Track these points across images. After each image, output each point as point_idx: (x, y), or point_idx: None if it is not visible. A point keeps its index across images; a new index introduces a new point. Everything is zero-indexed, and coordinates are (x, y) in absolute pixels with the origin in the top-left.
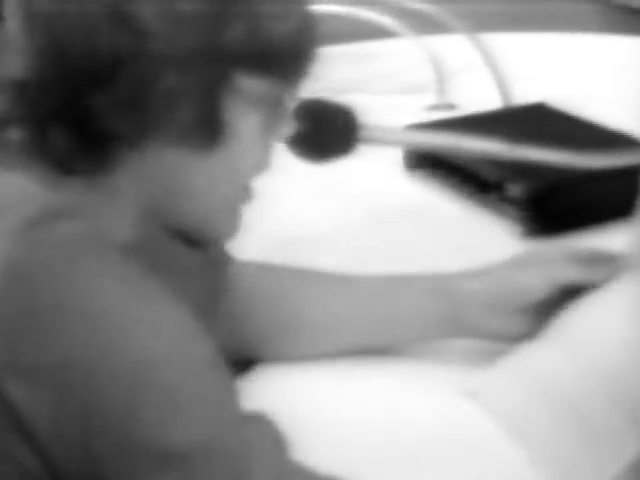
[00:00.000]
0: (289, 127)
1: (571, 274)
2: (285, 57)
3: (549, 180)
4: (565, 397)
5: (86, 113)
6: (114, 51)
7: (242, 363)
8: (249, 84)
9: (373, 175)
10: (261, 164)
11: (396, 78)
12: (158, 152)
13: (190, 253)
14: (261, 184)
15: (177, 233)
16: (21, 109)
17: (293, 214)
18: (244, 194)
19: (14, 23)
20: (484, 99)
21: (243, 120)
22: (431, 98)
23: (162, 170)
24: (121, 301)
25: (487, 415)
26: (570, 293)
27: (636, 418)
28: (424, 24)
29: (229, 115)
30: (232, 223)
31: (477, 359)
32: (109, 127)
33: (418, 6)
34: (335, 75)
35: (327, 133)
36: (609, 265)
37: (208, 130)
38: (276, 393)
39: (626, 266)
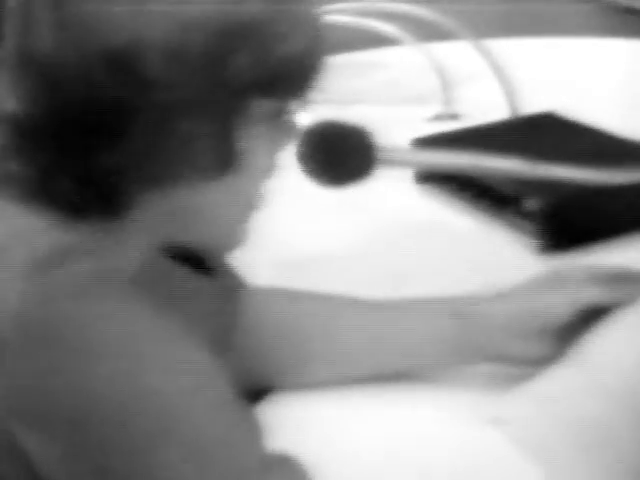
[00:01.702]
0: (296, 135)
1: (594, 296)
2: (295, 75)
3: (566, 194)
4: (590, 424)
5: (94, 165)
6: (119, 104)
7: (255, 392)
8: (259, 107)
9: (384, 191)
10: (270, 173)
11: (400, 87)
12: (172, 190)
13: (200, 281)
14: (272, 205)
15: (186, 260)
16: (23, 148)
17: (304, 235)
18: (254, 204)
19: (11, 69)
20: (490, 108)
21: (255, 141)
22: (436, 107)
23: (175, 205)
24: (136, 347)
25: (512, 444)
26: (593, 314)
27: None
28: (427, 31)
29: (243, 141)
30: (241, 235)
31: (496, 384)
32: (121, 178)
33: (421, 13)
34: (338, 86)
35: (344, 159)
36: (634, 284)
37: (225, 161)
38: (287, 422)
39: None
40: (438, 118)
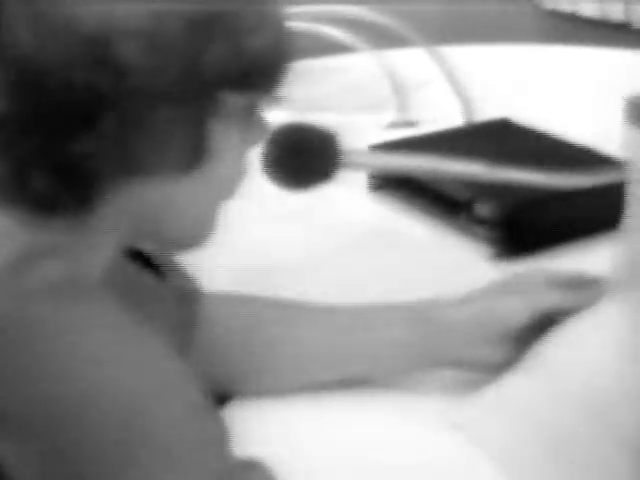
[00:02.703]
0: (266, 132)
1: (552, 300)
2: (265, 69)
3: (519, 200)
4: (549, 427)
5: (68, 156)
6: (94, 91)
7: (217, 398)
8: (231, 101)
9: (337, 198)
10: (241, 172)
11: (354, 94)
12: (141, 185)
13: (158, 285)
14: (227, 212)
15: (140, 263)
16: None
17: (257, 241)
18: (223, 199)
19: None
20: (445, 114)
21: (225, 136)
22: (391, 115)
23: (145, 200)
24: (107, 349)
25: (473, 447)
26: (552, 319)
27: (623, 440)
28: (382, 38)
29: (215, 135)
30: (210, 229)
31: (459, 389)
32: (93, 169)
33: (374, 18)
34: (293, 93)
35: (308, 160)
36: (589, 289)
37: (196, 155)
38: (252, 429)
39: (606, 289)
40: (394, 125)
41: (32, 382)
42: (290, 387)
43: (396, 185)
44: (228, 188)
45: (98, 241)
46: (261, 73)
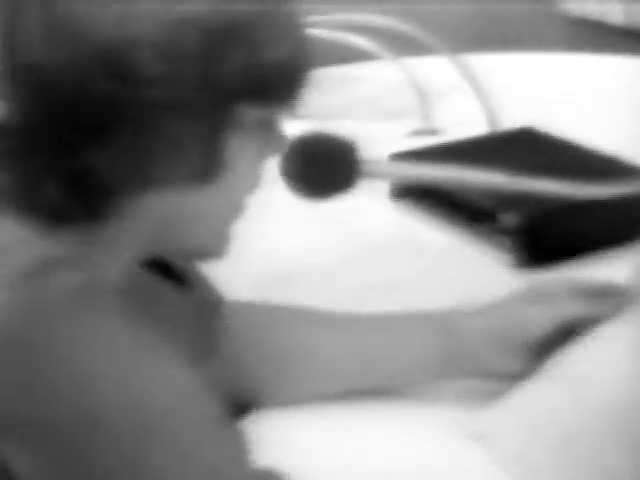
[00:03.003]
0: (283, 144)
1: (574, 310)
2: (283, 82)
3: (543, 209)
4: (567, 437)
5: (82, 167)
6: (109, 101)
7: (238, 408)
8: (248, 113)
9: (359, 207)
10: (256, 183)
11: (378, 103)
12: (157, 195)
13: (179, 294)
14: (251, 219)
15: (163, 273)
16: (9, 153)
17: (278, 249)
18: (239, 211)
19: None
20: (469, 123)
21: (241, 148)
22: (414, 123)
23: (161, 211)
24: (121, 361)
25: (491, 458)
26: (573, 328)
27: (636, 454)
28: (405, 46)
29: (230, 147)
30: (225, 241)
31: (478, 399)
32: (108, 179)
33: (399, 27)
34: (316, 101)
35: (327, 169)
36: (612, 299)
37: (211, 166)
38: (272, 438)
39: (629, 300)
40: (417, 133)
41: (41, 387)
42: (311, 396)
43: (418, 193)
44: (243, 199)
45: (114, 251)
46: (279, 86)
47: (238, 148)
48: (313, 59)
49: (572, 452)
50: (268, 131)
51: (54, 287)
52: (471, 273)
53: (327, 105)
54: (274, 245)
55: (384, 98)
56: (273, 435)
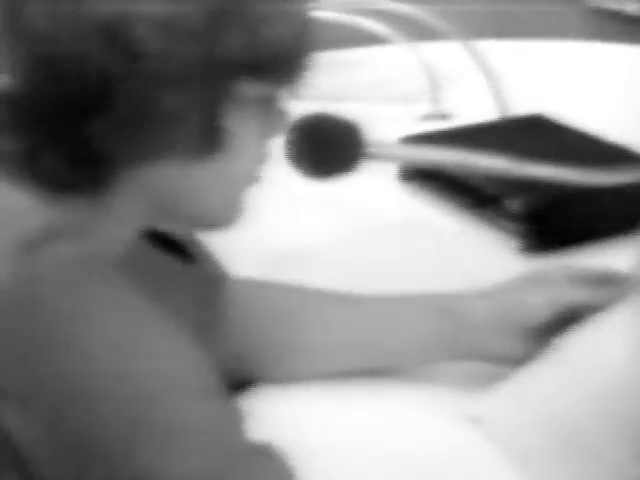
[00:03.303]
0: (287, 123)
1: (575, 296)
2: (284, 60)
3: (549, 195)
4: (567, 423)
5: (81, 136)
6: (107, 73)
7: (238, 383)
8: (248, 90)
9: (367, 188)
10: (262, 158)
11: (388, 86)
12: (158, 166)
13: (183, 267)
14: (253, 198)
15: (167, 246)
16: (12, 122)
17: (286, 229)
18: (248, 183)
19: (2, 42)
20: (479, 108)
21: (242, 124)
22: (425, 107)
23: (162, 182)
24: (120, 330)
25: (489, 441)
26: (574, 314)
27: (636, 441)
28: (417, 30)
29: (229, 123)
30: (236, 212)
31: (476, 382)
32: (107, 150)
33: (410, 11)
34: (325, 83)
35: (331, 150)
36: (614, 286)
37: (210, 141)
38: (272, 415)
39: (630, 287)
40: (427, 117)
41: (41, 355)
42: (310, 374)
43: (427, 177)
44: (248, 175)
45: (116, 221)
46: (279, 63)
47: (239, 123)
48: (315, 38)
49: (569, 437)
50: (270, 108)
51: (54, 256)
52: (476, 257)
53: (338, 87)
54: (280, 224)
55: (395, 82)
56: (272, 411)
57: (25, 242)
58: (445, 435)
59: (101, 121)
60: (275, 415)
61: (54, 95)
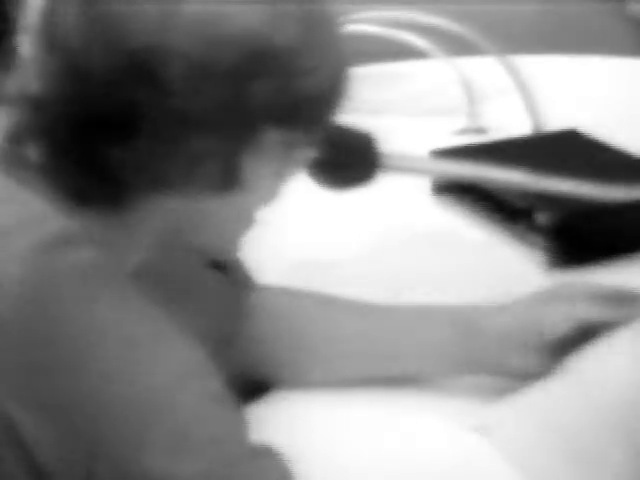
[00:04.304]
0: (303, 166)
1: (592, 313)
2: (314, 111)
3: (578, 209)
4: (575, 435)
5: (102, 158)
6: (134, 104)
7: (259, 387)
8: (273, 135)
9: (401, 200)
10: (272, 197)
11: (427, 100)
12: (172, 197)
13: (210, 277)
14: (291, 208)
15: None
16: (38, 130)
17: (320, 239)
18: (250, 222)
19: (32, 47)
20: (515, 124)
21: (262, 166)
22: (462, 121)
23: (175, 212)
24: (130, 335)
25: (497, 451)
26: (591, 331)
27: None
28: (456, 45)
29: (249, 165)
30: (234, 248)
31: (488, 393)
32: (124, 174)
33: (450, 27)
34: (365, 96)
35: (348, 161)
36: (632, 304)
37: (228, 181)
38: (289, 419)
39: None
40: (464, 132)
41: (54, 358)
42: (327, 380)
43: (458, 190)
44: (255, 211)
45: (130, 238)
46: (309, 114)
47: (257, 166)
48: (349, 85)
49: (576, 449)
50: (291, 152)
51: (70, 260)
52: (503, 270)
53: (377, 101)
54: (313, 234)
55: (434, 96)
56: (287, 417)
57: (42, 246)
58: (454, 445)
59: (120, 147)
60: (290, 421)
61: (79, 111)
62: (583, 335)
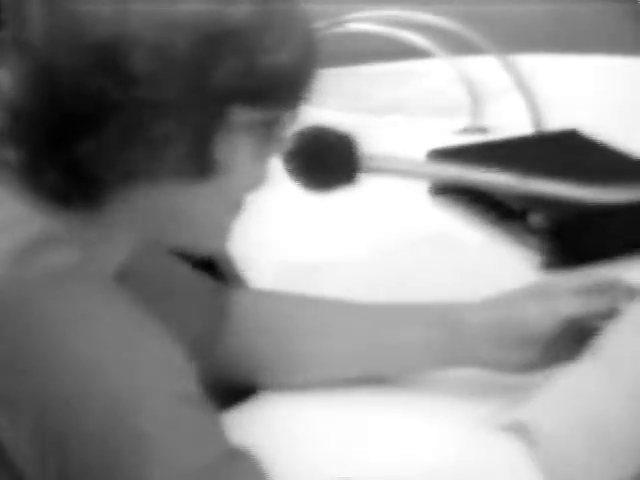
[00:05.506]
0: (286, 143)
1: (575, 307)
2: (281, 87)
3: (573, 211)
4: (609, 424)
5: (74, 154)
6: (100, 96)
7: (244, 390)
8: (242, 115)
9: (398, 199)
10: (257, 182)
11: (429, 99)
12: (151, 187)
13: (192, 277)
14: (286, 210)
15: (184, 255)
16: (16, 133)
17: (317, 241)
18: (237, 209)
19: (9, 56)
20: (518, 123)
21: (237, 148)
22: (464, 121)
23: (156, 201)
24: (103, 337)
25: (532, 450)
26: (579, 324)
27: None
28: (458, 44)
29: (222, 148)
30: (224, 237)
31: (480, 389)
32: (98, 170)
33: (452, 26)
34: (367, 95)
35: (326, 163)
36: (613, 291)
37: (201, 165)
38: (276, 422)
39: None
40: (466, 131)
41: (26, 363)
42: (311, 381)
43: (456, 191)
44: (242, 197)
45: (109, 236)
46: (277, 90)
47: (233, 148)
48: (319, 60)
49: (607, 440)
50: (268, 132)
51: (46, 263)
52: (499, 271)
53: (379, 100)
54: (310, 236)
55: (436, 95)
56: (273, 419)
57: (20, 249)
58: (444, 446)
59: (90, 141)
60: (274, 423)
61: (48, 109)
62: (571, 329)
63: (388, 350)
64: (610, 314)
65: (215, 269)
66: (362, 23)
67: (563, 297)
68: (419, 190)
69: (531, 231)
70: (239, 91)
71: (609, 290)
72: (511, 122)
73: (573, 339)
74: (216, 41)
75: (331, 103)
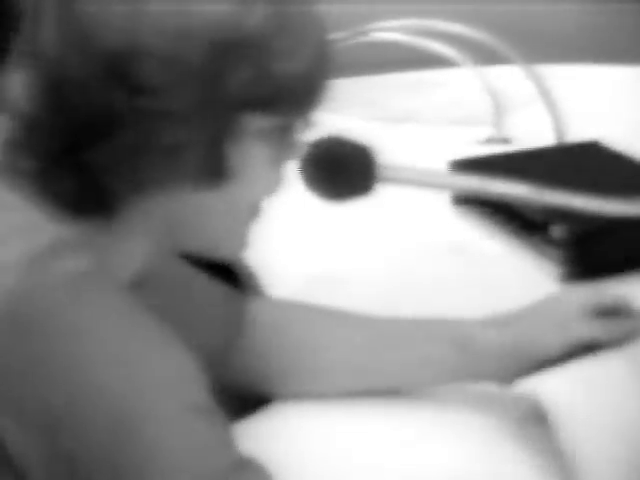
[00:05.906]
0: (301, 149)
1: (586, 332)
2: (293, 94)
3: (593, 223)
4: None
5: (86, 163)
6: (112, 105)
7: (260, 399)
8: (254, 122)
9: (420, 209)
10: (271, 188)
11: (454, 108)
12: (165, 195)
13: (208, 286)
14: (307, 222)
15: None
16: (30, 141)
17: (338, 251)
18: (254, 214)
19: (23, 66)
20: (541, 134)
21: (249, 155)
22: (487, 131)
23: (170, 209)
24: (115, 346)
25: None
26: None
27: None
28: (483, 54)
29: (235, 155)
30: (241, 243)
31: (485, 403)
32: (112, 178)
33: (476, 35)
34: (393, 104)
35: (342, 173)
36: (626, 318)
37: (214, 172)
38: (287, 432)
39: None
40: (489, 141)
41: (37, 372)
42: (324, 393)
43: (478, 202)
44: (257, 202)
45: (123, 244)
46: (289, 97)
47: (246, 154)
48: (332, 68)
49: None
50: (281, 138)
51: (60, 270)
52: (519, 281)
53: (404, 109)
54: (330, 246)
55: (461, 104)
56: (284, 429)
57: (34, 255)
58: (454, 457)
59: (104, 149)
60: (287, 433)
61: (61, 119)
62: (579, 350)
63: (402, 366)
64: (624, 338)
65: (232, 275)
66: (388, 32)
67: (577, 319)
68: (440, 200)
69: (552, 243)
70: (252, 99)
71: (624, 311)
72: (534, 133)
73: (584, 355)
74: (229, 50)
75: (355, 111)
